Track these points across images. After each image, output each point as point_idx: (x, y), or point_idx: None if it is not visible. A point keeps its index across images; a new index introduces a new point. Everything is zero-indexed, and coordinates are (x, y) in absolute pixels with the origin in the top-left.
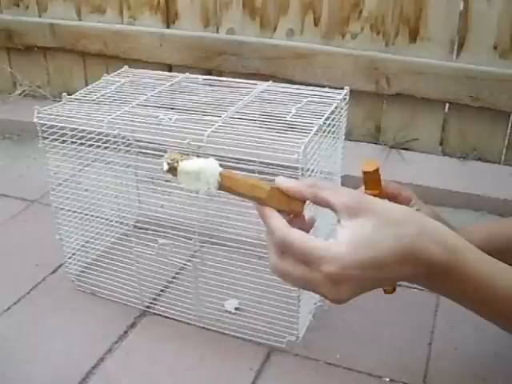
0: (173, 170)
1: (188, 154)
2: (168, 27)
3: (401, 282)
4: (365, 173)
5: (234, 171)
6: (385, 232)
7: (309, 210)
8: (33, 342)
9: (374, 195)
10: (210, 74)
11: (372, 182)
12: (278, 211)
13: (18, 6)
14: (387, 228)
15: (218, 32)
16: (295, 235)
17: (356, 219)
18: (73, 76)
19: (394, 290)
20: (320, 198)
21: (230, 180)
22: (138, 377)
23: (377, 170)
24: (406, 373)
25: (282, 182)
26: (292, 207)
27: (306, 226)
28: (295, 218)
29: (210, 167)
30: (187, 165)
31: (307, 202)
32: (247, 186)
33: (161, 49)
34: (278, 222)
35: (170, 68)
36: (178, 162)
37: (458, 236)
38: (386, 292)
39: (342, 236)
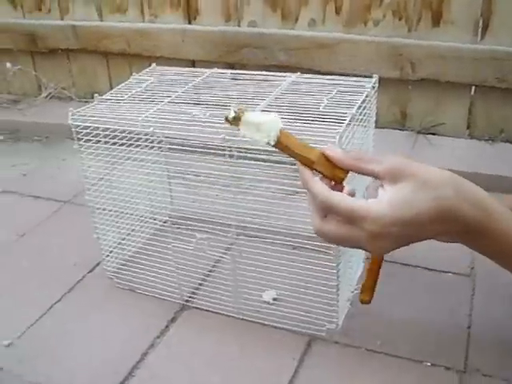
0: (237, 119)
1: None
2: (189, 23)
3: (436, 268)
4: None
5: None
6: (423, 193)
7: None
8: (76, 339)
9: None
10: (234, 68)
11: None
12: (322, 178)
13: (40, 9)
14: (425, 190)
15: (239, 25)
16: (337, 197)
17: (397, 183)
18: (97, 76)
19: (370, 299)
20: (364, 169)
21: (287, 138)
22: (182, 369)
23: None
24: (446, 357)
25: (331, 150)
26: (336, 174)
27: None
28: (336, 185)
29: (272, 121)
30: (251, 115)
31: (350, 173)
32: (301, 146)
33: (183, 45)
34: (320, 186)
35: (193, 63)
36: (243, 112)
37: (491, 197)
38: (363, 301)
39: (383, 197)
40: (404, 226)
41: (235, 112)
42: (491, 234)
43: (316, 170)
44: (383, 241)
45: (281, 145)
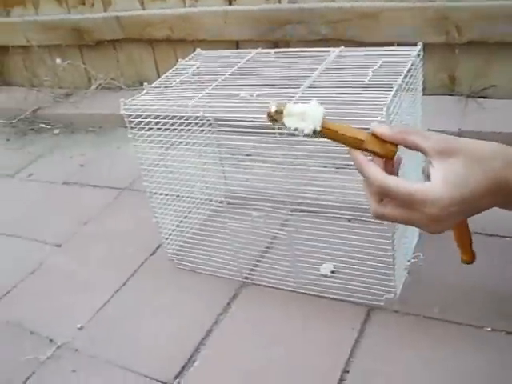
0: (279, 113)
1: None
2: (230, 4)
3: (493, 232)
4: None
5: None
6: (474, 169)
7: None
8: (143, 319)
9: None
10: (277, 46)
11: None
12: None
13: (84, 4)
14: (476, 164)
15: (280, 2)
16: (394, 181)
17: (447, 160)
18: (143, 64)
19: (473, 259)
20: (411, 142)
21: (331, 123)
22: (245, 344)
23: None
24: (507, 321)
25: (377, 127)
26: (386, 150)
27: (396, 167)
28: (387, 161)
29: (315, 109)
30: (294, 107)
31: (399, 146)
32: (347, 129)
33: (225, 26)
34: (375, 169)
35: (236, 44)
36: (284, 105)
37: None
38: (463, 261)
39: (437, 177)
40: (462, 205)
41: (277, 105)
42: None
43: (367, 150)
44: (443, 222)
45: (327, 130)
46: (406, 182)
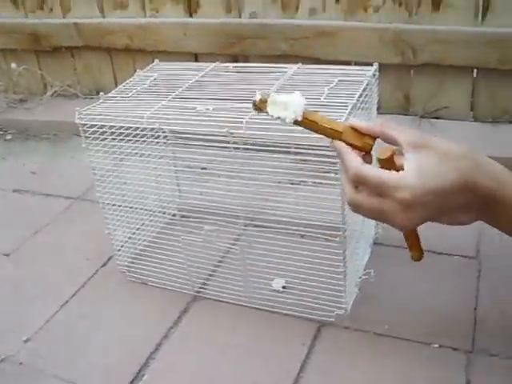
0: (263, 101)
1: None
2: (191, 16)
3: (442, 251)
4: (380, 160)
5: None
6: (446, 163)
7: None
8: (92, 332)
9: None
10: (237, 60)
11: (388, 167)
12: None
13: (42, 8)
14: (448, 161)
15: (240, 17)
16: (368, 169)
17: (420, 152)
18: (101, 72)
19: (422, 255)
20: (388, 135)
21: (312, 114)
22: (195, 359)
23: (391, 157)
24: (453, 338)
25: (356, 121)
26: (363, 143)
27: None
28: (366, 155)
29: (297, 99)
30: (277, 96)
31: (376, 139)
32: (326, 120)
33: (185, 38)
34: (353, 158)
35: (195, 57)
36: (268, 95)
37: (505, 169)
38: (414, 258)
39: (410, 167)
40: (432, 195)
41: (261, 95)
42: (507, 203)
43: (344, 142)
44: (414, 211)
45: (307, 120)
46: (380, 170)
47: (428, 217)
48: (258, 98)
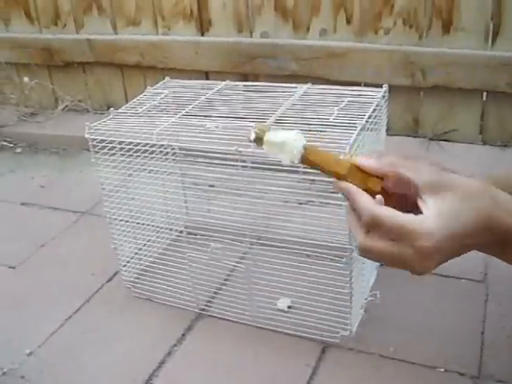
0: (259, 139)
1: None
2: (202, 35)
3: (449, 274)
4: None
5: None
6: (465, 205)
7: None
8: (95, 348)
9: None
10: (247, 79)
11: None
12: None
13: (56, 24)
14: (467, 201)
15: (251, 36)
16: (385, 212)
17: (438, 194)
18: (112, 88)
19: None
20: (402, 176)
21: (312, 154)
22: (198, 377)
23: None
24: (460, 363)
25: (363, 159)
26: (370, 185)
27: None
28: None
29: (295, 139)
30: (273, 135)
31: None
32: (329, 160)
33: (197, 57)
34: (366, 199)
35: (206, 75)
36: (264, 132)
37: None
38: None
39: (430, 213)
40: (453, 240)
41: (256, 133)
42: None
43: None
44: (433, 258)
45: (307, 161)
46: (399, 213)
47: (448, 258)
48: (252, 136)
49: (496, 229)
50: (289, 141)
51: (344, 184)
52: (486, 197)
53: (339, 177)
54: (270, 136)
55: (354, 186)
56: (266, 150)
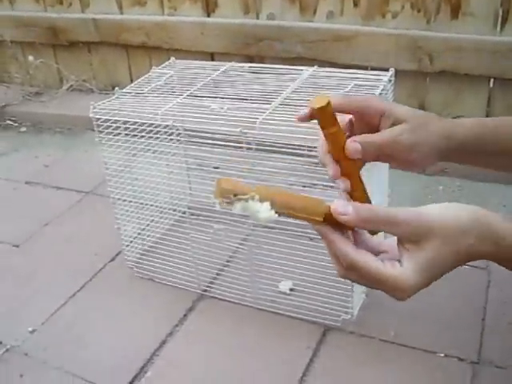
0: (228, 203)
1: (238, 184)
2: (208, 16)
3: None
4: (315, 110)
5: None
6: (446, 252)
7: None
8: (98, 327)
9: (332, 133)
10: (252, 61)
11: (326, 119)
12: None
13: (62, 3)
14: (448, 247)
15: (258, 18)
16: (363, 258)
17: (418, 246)
18: (117, 68)
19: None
20: (379, 231)
21: (285, 207)
22: (199, 357)
23: (328, 105)
24: (460, 348)
25: (338, 212)
26: (347, 228)
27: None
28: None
29: (261, 211)
30: (239, 208)
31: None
32: (303, 208)
33: (202, 37)
34: (343, 246)
35: (212, 56)
36: (232, 203)
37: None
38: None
39: (410, 267)
40: (429, 283)
41: (221, 204)
42: (507, 259)
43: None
44: (411, 296)
45: (281, 213)
46: (378, 263)
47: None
48: (217, 206)
49: (478, 258)
50: (259, 217)
51: (320, 228)
52: (471, 235)
53: (316, 223)
54: (236, 208)
55: (330, 231)
56: (236, 211)
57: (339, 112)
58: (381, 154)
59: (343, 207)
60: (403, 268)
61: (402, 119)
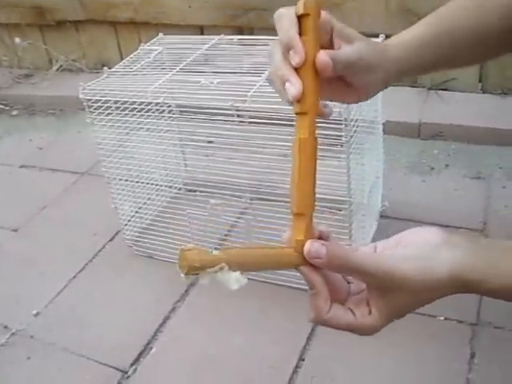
0: (192, 270)
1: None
2: None
3: (449, 224)
4: (299, 16)
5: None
6: (412, 301)
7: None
8: (101, 306)
9: (306, 40)
10: (242, 32)
11: (305, 26)
12: None
13: None
14: (415, 298)
15: None
16: (336, 319)
17: (384, 295)
18: (106, 46)
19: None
20: (349, 277)
21: (258, 268)
22: (202, 331)
23: (309, 14)
24: (459, 311)
25: (311, 255)
26: None
27: None
28: None
29: (231, 282)
30: (207, 280)
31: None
32: (278, 267)
33: (190, 11)
34: (322, 303)
35: (201, 29)
36: (197, 276)
37: (473, 263)
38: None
39: (379, 315)
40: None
41: (185, 276)
42: (483, 293)
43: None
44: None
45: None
46: (347, 317)
47: None
48: (182, 278)
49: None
50: (229, 285)
51: (302, 271)
52: (439, 290)
53: (296, 265)
54: (204, 280)
55: (318, 282)
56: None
57: None
58: (345, 73)
59: (316, 252)
60: (371, 316)
61: (353, 36)
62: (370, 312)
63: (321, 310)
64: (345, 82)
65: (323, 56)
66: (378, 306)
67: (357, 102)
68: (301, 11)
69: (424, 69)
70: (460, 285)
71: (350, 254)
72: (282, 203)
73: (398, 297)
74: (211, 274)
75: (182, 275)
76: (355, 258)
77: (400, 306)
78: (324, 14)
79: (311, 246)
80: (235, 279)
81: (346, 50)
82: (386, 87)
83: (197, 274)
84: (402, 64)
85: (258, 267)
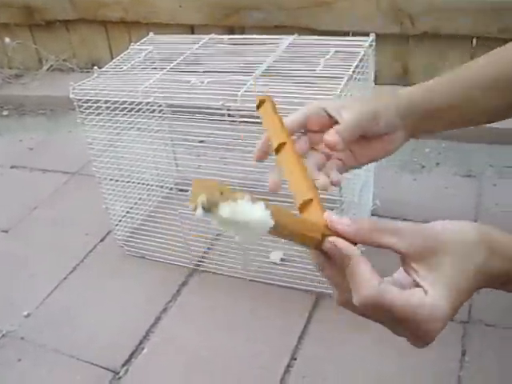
0: (208, 210)
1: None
2: None
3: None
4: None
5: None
6: (463, 269)
7: None
8: (92, 307)
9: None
10: (233, 31)
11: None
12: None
13: None
14: (463, 263)
15: None
16: (392, 294)
17: (430, 265)
18: (97, 46)
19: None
20: (384, 244)
21: (282, 224)
22: (194, 331)
23: (265, 103)
24: None
25: (337, 223)
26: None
27: None
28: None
29: (260, 220)
30: (230, 211)
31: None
32: (300, 229)
33: (181, 10)
34: (369, 274)
35: (192, 29)
36: (217, 204)
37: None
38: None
39: (439, 293)
40: (456, 311)
41: (204, 203)
42: None
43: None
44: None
45: (277, 233)
46: (407, 295)
47: None
48: (198, 211)
49: (496, 278)
50: (252, 222)
51: (336, 242)
52: (481, 251)
53: (316, 243)
54: (224, 212)
55: (351, 247)
56: (218, 225)
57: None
58: (358, 138)
59: (339, 218)
60: (432, 296)
61: (347, 103)
62: (426, 292)
63: (368, 280)
64: (371, 139)
65: (327, 137)
66: (427, 279)
67: (394, 150)
68: (257, 102)
69: (438, 108)
70: (494, 253)
71: (376, 220)
72: (275, 203)
73: (443, 265)
74: (230, 204)
75: (199, 210)
76: (384, 221)
77: (451, 279)
78: (314, 113)
79: (332, 214)
80: (260, 210)
81: (344, 120)
82: (404, 121)
83: (212, 203)
84: (415, 96)
85: (284, 215)
